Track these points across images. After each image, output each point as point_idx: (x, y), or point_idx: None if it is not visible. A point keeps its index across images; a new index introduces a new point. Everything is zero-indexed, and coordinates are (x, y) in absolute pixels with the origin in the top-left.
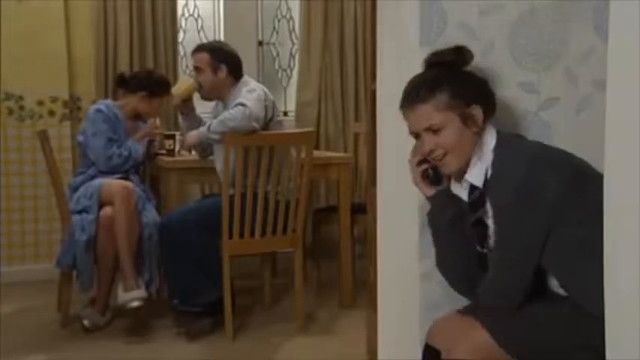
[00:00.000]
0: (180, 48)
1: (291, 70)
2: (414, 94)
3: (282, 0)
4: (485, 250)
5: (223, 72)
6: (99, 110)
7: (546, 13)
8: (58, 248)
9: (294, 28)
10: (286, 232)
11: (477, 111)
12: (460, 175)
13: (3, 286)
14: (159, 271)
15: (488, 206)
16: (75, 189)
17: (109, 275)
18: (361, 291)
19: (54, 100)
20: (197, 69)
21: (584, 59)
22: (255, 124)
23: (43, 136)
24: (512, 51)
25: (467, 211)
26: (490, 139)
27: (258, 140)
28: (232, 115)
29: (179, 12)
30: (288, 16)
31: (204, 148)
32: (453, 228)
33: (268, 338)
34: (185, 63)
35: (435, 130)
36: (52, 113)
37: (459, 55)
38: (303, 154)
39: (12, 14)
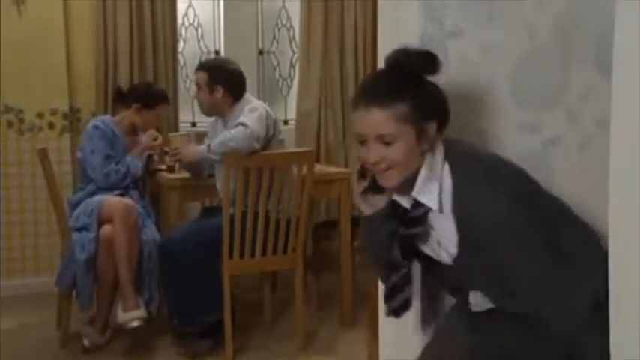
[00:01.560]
0: (180, 57)
1: (292, 79)
2: (372, 96)
3: (282, 9)
4: (404, 262)
5: (219, 92)
6: (96, 127)
7: (547, 52)
8: (57, 262)
9: (294, 37)
10: (286, 251)
11: (432, 128)
12: (400, 188)
13: (3, 299)
14: (159, 289)
15: (437, 224)
16: (74, 206)
17: (109, 294)
18: (362, 306)
19: (54, 112)
20: (197, 85)
21: (585, 98)
22: (256, 145)
23: (43, 155)
24: (513, 89)
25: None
26: (438, 158)
27: (258, 161)
28: (233, 135)
29: (179, 21)
30: (288, 25)
31: (199, 169)
32: (392, 238)
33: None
34: (185, 72)
35: (386, 142)
36: (51, 126)
37: (429, 62)
38: (303, 172)
39: (12, 27)
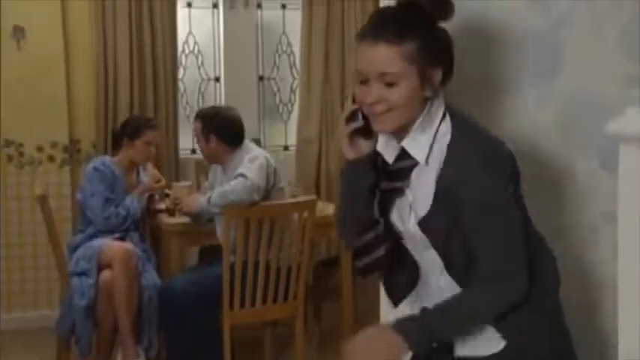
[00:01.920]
0: (180, 84)
1: (292, 105)
2: (381, 30)
3: (282, 35)
4: (380, 219)
5: (214, 141)
6: (96, 169)
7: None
8: (57, 296)
9: (294, 63)
10: (287, 299)
11: (437, 75)
12: (391, 135)
13: (2, 333)
14: (158, 334)
15: (416, 181)
16: (74, 249)
17: (109, 341)
18: None
19: (54, 145)
20: (195, 135)
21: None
22: (256, 197)
23: (43, 201)
24: None
25: (378, 174)
26: (438, 111)
27: (259, 212)
28: (233, 187)
29: (179, 49)
30: (288, 51)
31: (200, 215)
32: (372, 192)
33: None
34: (185, 99)
35: (388, 82)
36: (51, 159)
37: (443, 5)
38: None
39: (11, 61)
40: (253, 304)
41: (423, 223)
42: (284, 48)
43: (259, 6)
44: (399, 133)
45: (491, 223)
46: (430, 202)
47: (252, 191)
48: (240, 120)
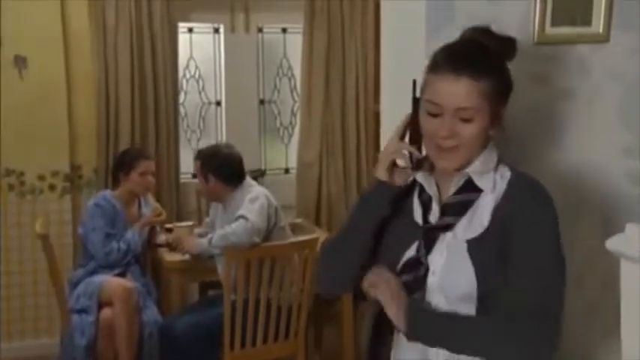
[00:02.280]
0: (181, 109)
1: (293, 128)
2: (466, 64)
3: (283, 58)
4: (424, 261)
5: (212, 181)
6: (97, 205)
7: None
8: (57, 324)
9: (295, 86)
10: (288, 337)
11: (503, 113)
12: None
13: None
14: None
15: (469, 216)
16: (75, 285)
17: None
18: None
19: (55, 174)
20: (196, 173)
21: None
22: (257, 239)
23: (45, 240)
24: None
25: (421, 209)
26: (494, 150)
27: (260, 253)
28: (234, 230)
29: (180, 73)
30: (289, 75)
31: (200, 255)
32: (377, 229)
33: None
34: (186, 123)
35: (464, 118)
36: (52, 188)
37: (511, 46)
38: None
39: (13, 90)
40: (254, 344)
41: (473, 244)
42: (285, 71)
43: (260, 30)
44: (458, 170)
45: (543, 258)
46: (482, 230)
47: (252, 234)
48: (241, 158)
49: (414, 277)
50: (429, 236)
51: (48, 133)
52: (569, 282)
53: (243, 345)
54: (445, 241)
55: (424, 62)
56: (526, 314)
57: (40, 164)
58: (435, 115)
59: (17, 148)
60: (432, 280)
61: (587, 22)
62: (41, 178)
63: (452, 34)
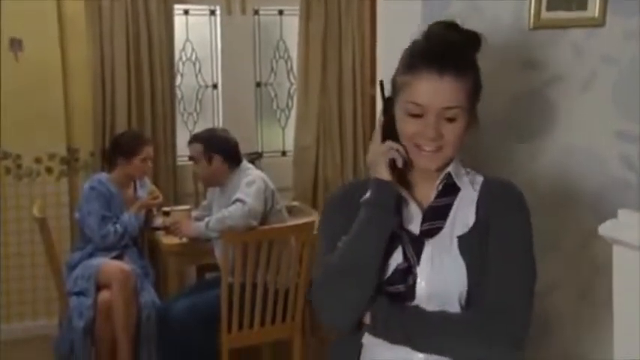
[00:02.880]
0: (177, 92)
1: (289, 110)
2: (449, 62)
3: (280, 41)
4: (415, 269)
5: (218, 161)
6: (92, 188)
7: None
8: (55, 305)
9: (292, 68)
10: (285, 320)
11: (476, 110)
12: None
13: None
14: (157, 353)
15: (453, 217)
16: (72, 267)
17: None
18: None
19: (52, 157)
20: (193, 159)
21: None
22: (254, 222)
23: (42, 224)
24: None
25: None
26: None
27: (257, 236)
28: (231, 213)
29: (176, 56)
30: (285, 57)
31: (198, 239)
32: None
33: None
34: (183, 106)
35: (449, 118)
36: (49, 170)
37: (476, 40)
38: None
39: (9, 73)
40: (251, 326)
41: (463, 241)
42: (281, 54)
43: (256, 12)
44: (438, 170)
45: (514, 256)
46: (469, 227)
47: (249, 217)
48: (237, 142)
49: (406, 287)
50: (417, 243)
51: (44, 115)
52: (562, 266)
53: (240, 327)
54: (432, 244)
55: None
56: (492, 311)
57: (36, 147)
58: (416, 116)
59: (13, 131)
60: (420, 287)
61: (583, 6)
62: (38, 160)
63: (449, 13)
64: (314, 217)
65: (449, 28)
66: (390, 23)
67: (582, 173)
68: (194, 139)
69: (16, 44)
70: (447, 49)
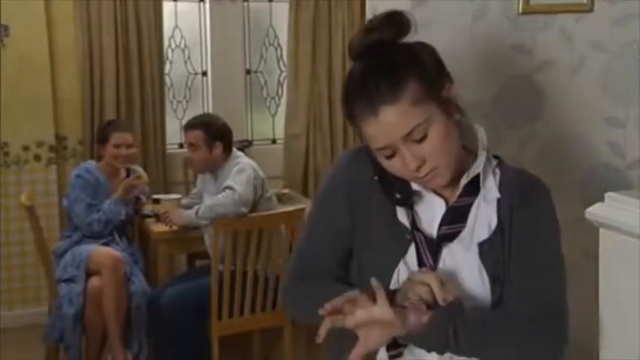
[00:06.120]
0: (167, 79)
1: (280, 98)
2: (373, 94)
3: (269, 28)
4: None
5: (219, 148)
6: (78, 176)
7: None
8: (44, 293)
9: (281, 56)
10: (275, 308)
11: (453, 90)
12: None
13: None
14: (147, 340)
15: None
16: (60, 255)
17: (98, 348)
18: None
19: (40, 144)
20: (192, 145)
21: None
22: (244, 209)
23: (31, 212)
24: None
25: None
26: (479, 127)
27: (247, 224)
28: (221, 201)
29: (165, 43)
30: (275, 44)
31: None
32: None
33: None
34: (172, 94)
35: (416, 139)
36: (37, 158)
37: (396, 25)
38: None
39: None
40: (242, 313)
41: (484, 247)
42: (271, 41)
43: None
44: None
45: (548, 256)
46: (490, 231)
47: (239, 204)
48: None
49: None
50: (434, 246)
51: (32, 103)
52: None
53: (230, 315)
54: (450, 250)
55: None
56: (535, 314)
57: (24, 135)
58: (390, 156)
59: (1, 119)
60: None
61: None
62: (26, 148)
63: None
64: (304, 205)
65: (367, 32)
66: (379, 10)
67: (571, 158)
68: (193, 125)
69: (2, 30)
70: (363, 79)
